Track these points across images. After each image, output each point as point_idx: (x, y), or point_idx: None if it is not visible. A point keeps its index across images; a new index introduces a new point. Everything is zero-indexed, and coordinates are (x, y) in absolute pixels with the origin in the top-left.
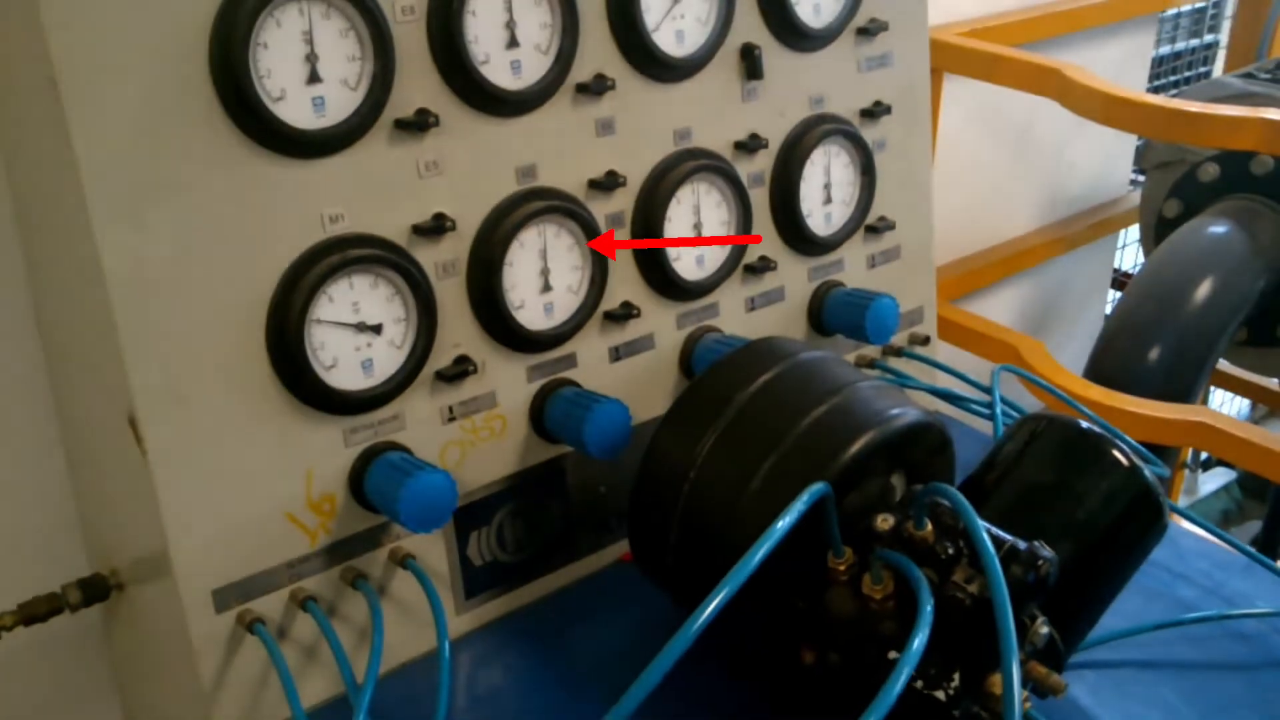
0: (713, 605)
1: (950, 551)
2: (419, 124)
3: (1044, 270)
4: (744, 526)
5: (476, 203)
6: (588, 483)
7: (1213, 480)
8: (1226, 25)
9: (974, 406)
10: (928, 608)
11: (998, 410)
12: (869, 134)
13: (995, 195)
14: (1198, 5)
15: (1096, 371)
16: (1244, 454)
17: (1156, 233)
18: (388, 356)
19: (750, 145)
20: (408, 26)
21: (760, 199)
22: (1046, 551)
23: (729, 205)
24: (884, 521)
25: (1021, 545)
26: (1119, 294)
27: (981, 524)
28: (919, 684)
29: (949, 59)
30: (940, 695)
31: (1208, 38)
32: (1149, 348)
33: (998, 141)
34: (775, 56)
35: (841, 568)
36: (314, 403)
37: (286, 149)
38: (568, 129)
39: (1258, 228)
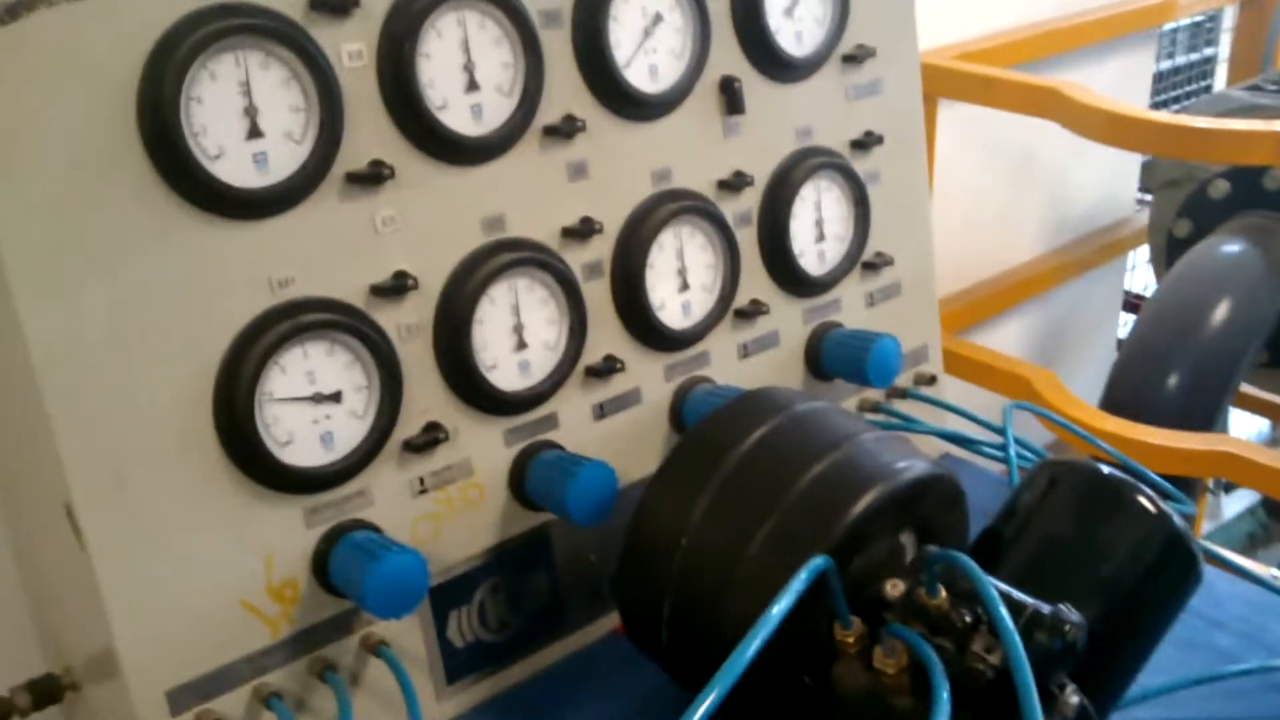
0: (703, 709)
1: (968, 619)
2: (373, 177)
3: (1051, 297)
4: (743, 598)
5: (440, 258)
6: (576, 551)
7: (1236, 502)
8: (1225, 38)
9: (986, 449)
10: (944, 694)
11: (1011, 453)
12: (861, 166)
13: (997, 222)
14: (1195, 19)
15: (1113, 401)
16: (1272, 481)
17: (1168, 254)
18: (349, 428)
19: (735, 183)
20: (356, 72)
21: (748, 239)
22: (1073, 615)
23: (715, 248)
24: (894, 588)
25: (1045, 609)
26: (1131, 317)
27: (997, 591)
28: None
29: (942, 84)
30: None
31: (1206, 51)
32: (1167, 375)
33: (996, 166)
34: (757, 88)
35: (850, 639)
36: (270, 483)
37: (227, 211)
38: (537, 175)
39: (1273, 245)
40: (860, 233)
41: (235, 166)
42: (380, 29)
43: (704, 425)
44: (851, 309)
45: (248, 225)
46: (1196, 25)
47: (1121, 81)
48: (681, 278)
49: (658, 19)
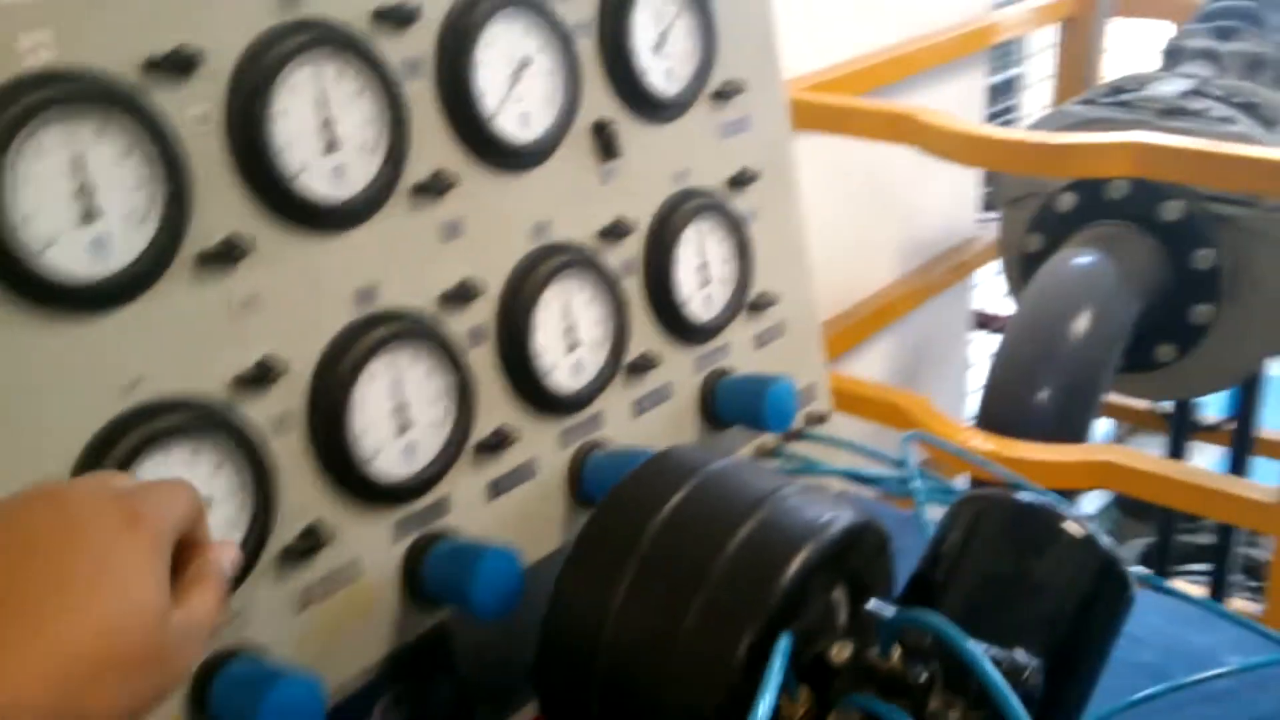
0: None
1: (924, 678)
2: (228, 254)
3: (906, 321)
4: (680, 684)
5: (309, 339)
6: (479, 646)
7: (1091, 502)
8: (1048, 56)
9: (889, 484)
10: None
11: (918, 486)
12: (739, 205)
13: (850, 252)
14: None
15: (987, 419)
16: (1155, 487)
17: (1021, 269)
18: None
19: (616, 231)
20: (204, 139)
21: (634, 289)
22: (1028, 659)
23: (601, 301)
24: (840, 652)
25: (1000, 657)
26: (980, 334)
27: (978, 651)
28: None
29: (798, 117)
30: None
31: (1011, 72)
32: (1037, 389)
33: (845, 196)
34: (631, 131)
35: (799, 712)
36: None
37: (63, 306)
38: (409, 238)
39: (1123, 252)
40: (744, 274)
41: (69, 255)
42: (227, 88)
43: (613, 499)
44: (741, 353)
45: (87, 322)
46: (1000, 47)
47: (959, 103)
48: (570, 336)
49: (525, 63)
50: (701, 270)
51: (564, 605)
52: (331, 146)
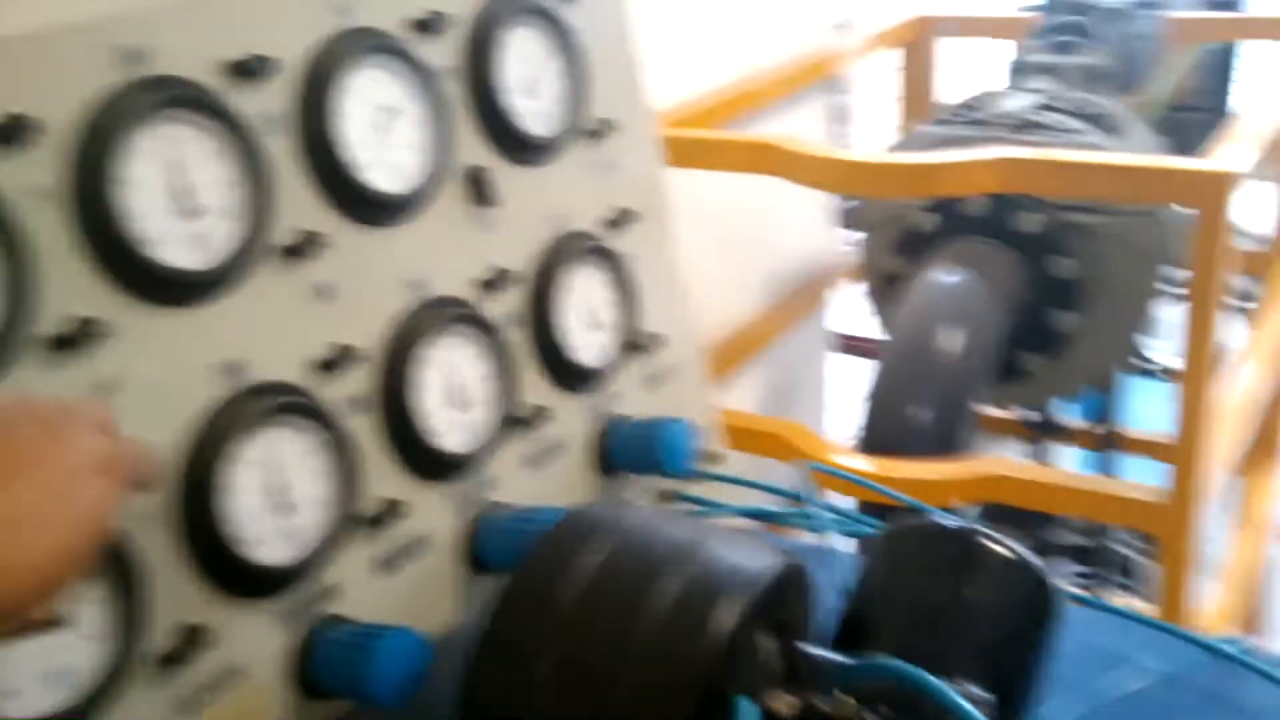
0: None
1: None
2: (81, 337)
3: (769, 350)
4: None
5: (174, 421)
6: None
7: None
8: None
9: (794, 520)
10: None
11: (827, 517)
12: (619, 245)
13: (711, 287)
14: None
15: (869, 441)
16: (1042, 496)
17: (885, 292)
18: (85, 655)
19: (497, 282)
20: (46, 214)
21: (520, 341)
22: (980, 692)
23: (486, 356)
24: (789, 706)
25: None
26: (841, 357)
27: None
28: None
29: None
30: None
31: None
32: (916, 409)
33: (701, 230)
34: (506, 176)
35: None
36: None
37: None
38: (278, 305)
39: (988, 268)
40: (630, 317)
41: None
42: (68, 157)
43: (523, 575)
44: (631, 398)
45: None
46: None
47: (805, 132)
48: (456, 396)
49: (392, 113)
50: (587, 316)
51: (482, 695)
52: (190, 213)
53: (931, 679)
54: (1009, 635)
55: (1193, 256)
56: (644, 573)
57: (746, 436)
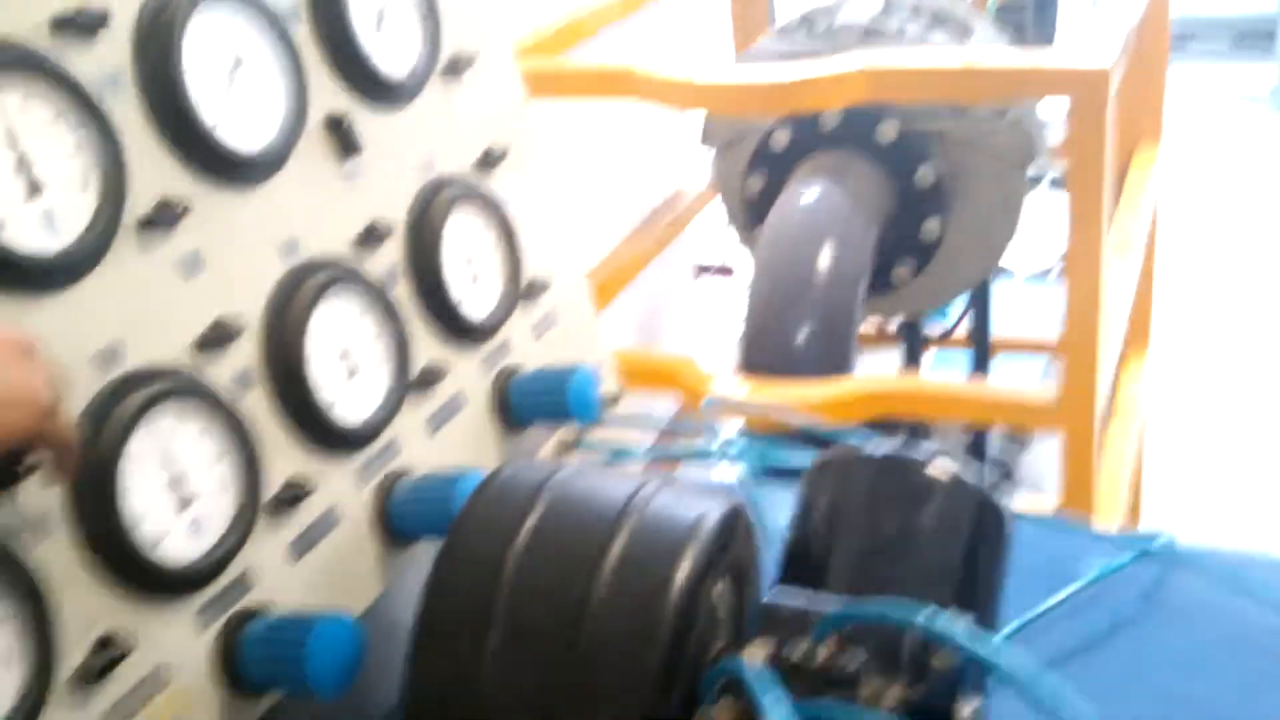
0: None
1: (854, 667)
2: None
3: (635, 282)
4: None
5: None
6: None
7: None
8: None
9: (706, 455)
10: None
11: (739, 452)
12: (492, 187)
13: (574, 219)
14: None
15: (749, 366)
16: (936, 407)
17: (746, 213)
18: None
19: (372, 236)
20: None
21: (404, 297)
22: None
23: (373, 316)
24: (753, 655)
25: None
26: (700, 282)
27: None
28: None
29: None
30: None
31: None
32: (796, 330)
33: (557, 160)
34: (367, 121)
35: None
36: None
37: None
38: (144, 282)
39: (849, 180)
40: (512, 262)
41: None
42: None
43: (453, 545)
44: (522, 347)
45: None
46: None
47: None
48: (347, 361)
49: (238, 63)
50: (469, 265)
51: (426, 684)
52: (34, 190)
53: (925, 616)
54: (964, 559)
55: (1072, 150)
56: (585, 532)
57: (633, 373)
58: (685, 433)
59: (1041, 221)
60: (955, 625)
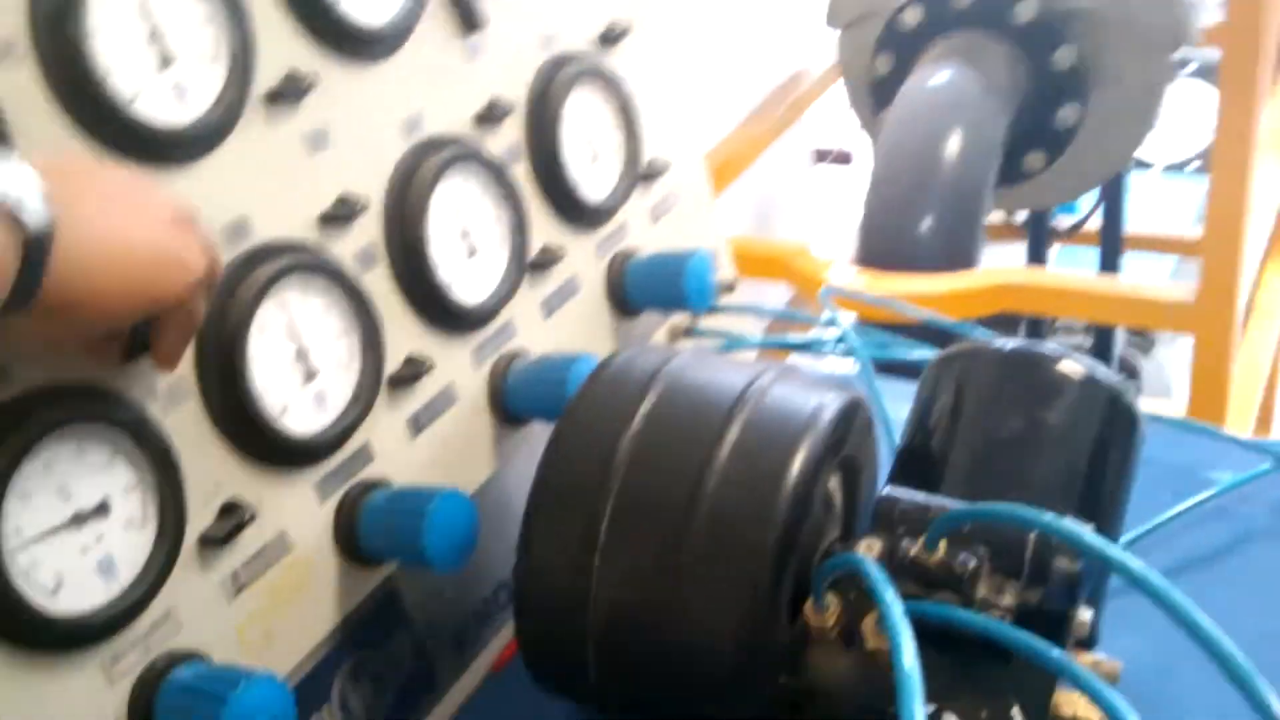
0: None
1: (972, 565)
2: None
3: (753, 168)
4: (691, 623)
5: None
6: (429, 594)
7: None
8: None
9: (826, 348)
10: None
11: (857, 345)
12: (615, 65)
13: (697, 100)
14: None
15: (868, 256)
16: (1060, 303)
17: (872, 96)
18: (129, 543)
19: (494, 115)
20: (8, 72)
21: (522, 177)
22: (1084, 524)
23: (493, 197)
24: (868, 549)
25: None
26: (819, 168)
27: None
28: None
29: None
30: None
31: None
32: (920, 220)
33: (679, 39)
34: None
35: (828, 622)
36: (46, 646)
37: None
38: (271, 156)
39: (983, 62)
40: (632, 143)
41: None
42: (27, 9)
43: (568, 427)
44: (638, 230)
45: None
46: None
47: None
48: (467, 241)
49: None
50: (588, 144)
51: (537, 563)
52: (166, 62)
53: (1052, 518)
54: (1091, 460)
55: (1226, 35)
56: (700, 420)
57: (747, 261)
58: (799, 323)
59: (1180, 110)
60: (1083, 529)
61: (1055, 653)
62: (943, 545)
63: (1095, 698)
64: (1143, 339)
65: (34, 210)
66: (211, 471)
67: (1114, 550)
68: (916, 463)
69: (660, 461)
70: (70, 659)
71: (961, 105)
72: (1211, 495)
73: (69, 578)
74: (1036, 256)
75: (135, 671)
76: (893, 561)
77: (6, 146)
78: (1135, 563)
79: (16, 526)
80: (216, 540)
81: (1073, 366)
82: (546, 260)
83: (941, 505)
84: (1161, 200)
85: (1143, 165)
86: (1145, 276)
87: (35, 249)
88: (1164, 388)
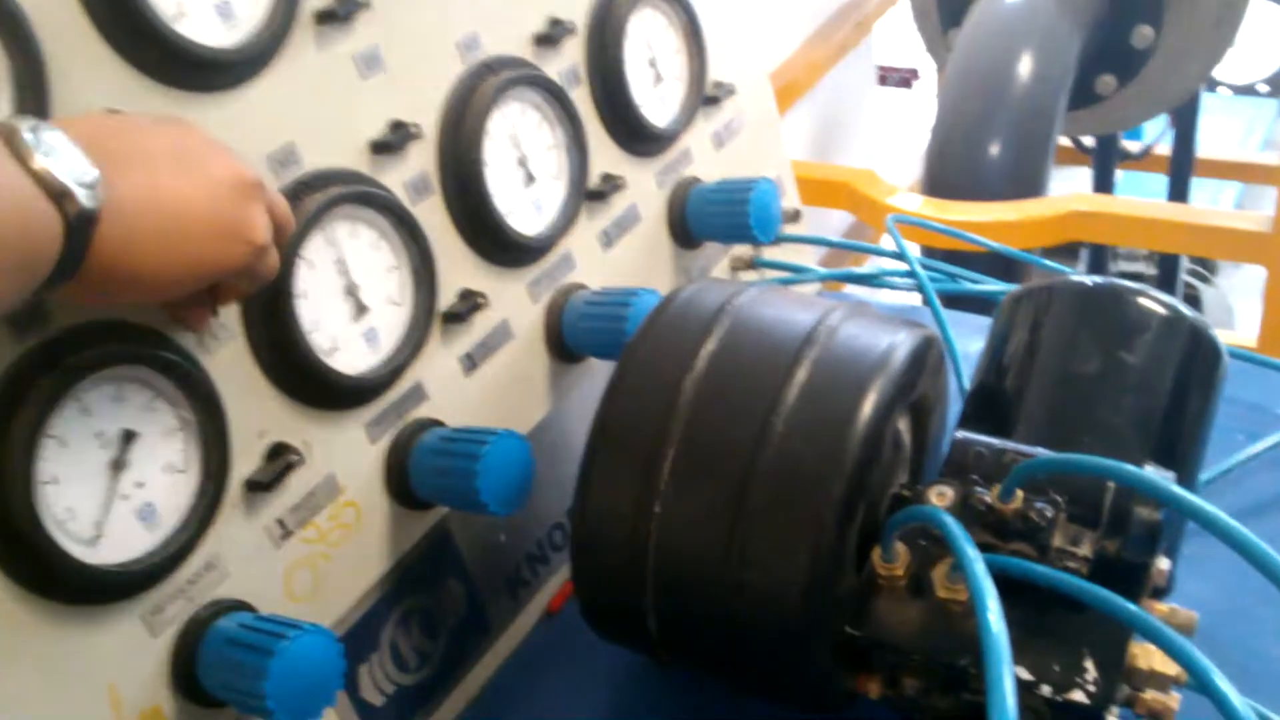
0: None
1: (1049, 515)
2: None
3: (815, 89)
4: (757, 569)
5: None
6: (482, 538)
7: None
8: None
9: (893, 281)
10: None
11: (923, 278)
12: None
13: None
14: None
15: (936, 183)
16: (1132, 231)
17: (939, 13)
18: (172, 488)
19: (553, 36)
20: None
21: (582, 101)
22: (1164, 471)
23: (552, 122)
24: (940, 497)
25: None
26: (883, 90)
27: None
28: (1046, 690)
29: None
30: (1080, 696)
31: None
32: (987, 144)
33: None
34: None
35: (897, 571)
36: (87, 597)
37: None
38: (321, 80)
39: None
40: (697, 65)
41: None
42: None
43: (630, 363)
44: (702, 157)
45: None
46: None
47: None
48: (524, 169)
49: None
50: (651, 66)
51: (596, 509)
52: None
53: (1136, 471)
54: (1172, 400)
55: None
56: (767, 360)
57: (808, 187)
58: (865, 254)
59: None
60: (1168, 481)
61: (1132, 608)
62: (1019, 493)
63: (1174, 654)
64: (1205, 270)
65: (81, 192)
66: (257, 413)
67: (1202, 505)
68: (989, 403)
69: (725, 404)
70: (110, 611)
71: (1034, 26)
72: None
73: (108, 526)
74: (1103, 183)
75: (178, 622)
76: (966, 509)
77: (46, 120)
78: (1226, 518)
79: (53, 474)
80: (263, 485)
81: (1155, 302)
82: (606, 189)
83: (1017, 451)
84: (1226, 124)
85: (1212, 87)
86: (1208, 204)
87: (78, 229)
88: (1225, 317)
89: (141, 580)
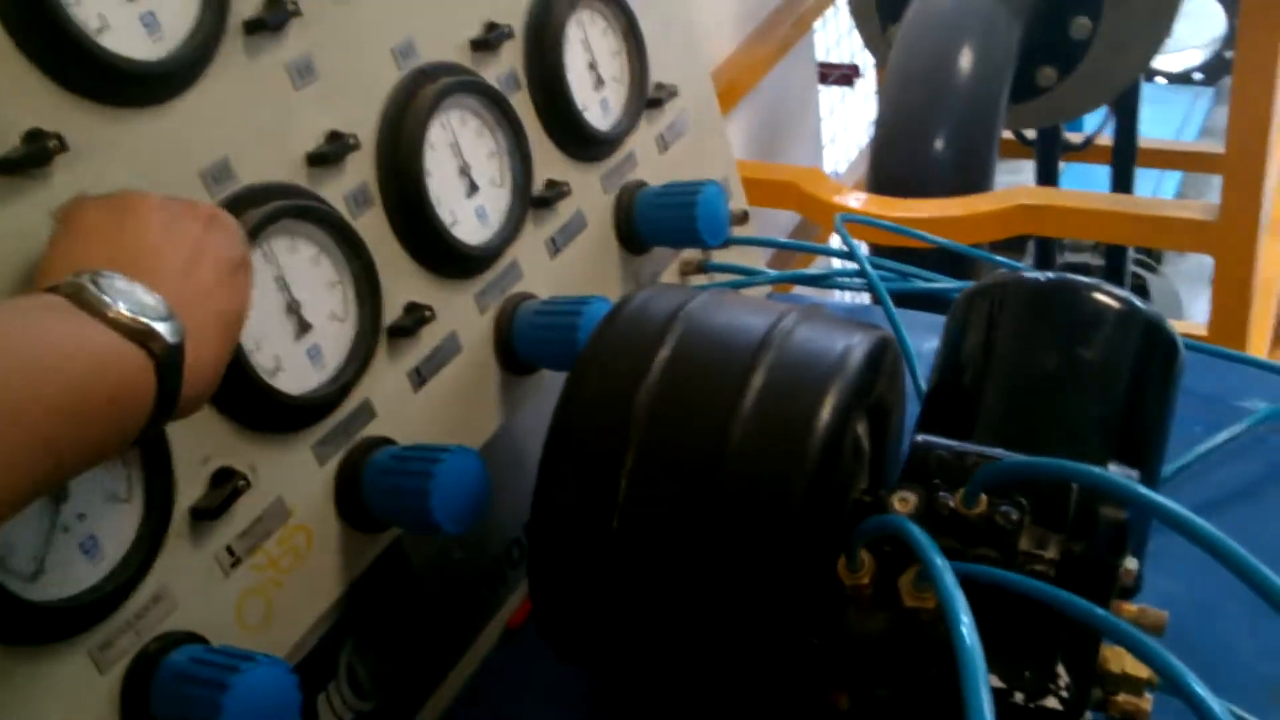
0: None
1: (1015, 518)
2: (37, 155)
3: (756, 89)
4: (718, 583)
5: None
6: (438, 558)
7: None
8: None
9: (843, 281)
10: None
11: (875, 277)
12: None
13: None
14: None
15: (882, 180)
16: (1079, 223)
17: (880, 10)
18: (114, 521)
19: (490, 40)
20: None
21: (522, 106)
22: (1127, 469)
23: (493, 128)
24: (903, 503)
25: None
26: (823, 89)
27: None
28: (1019, 698)
29: None
30: (1054, 703)
31: None
32: (932, 139)
33: None
34: None
35: (863, 580)
36: (34, 636)
37: None
38: (253, 92)
39: None
40: (639, 67)
41: None
42: None
43: (582, 375)
44: (647, 160)
45: None
46: None
47: None
48: (466, 177)
49: None
50: (592, 70)
51: (553, 526)
52: None
53: (1101, 472)
54: (1130, 395)
55: None
56: (722, 366)
57: (754, 187)
58: (813, 254)
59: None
60: (1132, 481)
61: (1101, 613)
62: (983, 497)
63: (1146, 659)
64: (1150, 256)
65: (162, 326)
66: (201, 438)
67: (1169, 504)
68: (947, 404)
69: (682, 413)
70: (55, 649)
71: (973, 18)
72: (1247, 428)
73: (49, 561)
74: (1047, 175)
75: (127, 658)
76: (930, 515)
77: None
78: (1193, 517)
79: None
80: (209, 512)
81: (1109, 296)
82: (551, 195)
83: (979, 454)
84: (1164, 114)
85: (1149, 77)
86: (1150, 193)
87: (171, 364)
88: (1174, 305)
89: (86, 615)
